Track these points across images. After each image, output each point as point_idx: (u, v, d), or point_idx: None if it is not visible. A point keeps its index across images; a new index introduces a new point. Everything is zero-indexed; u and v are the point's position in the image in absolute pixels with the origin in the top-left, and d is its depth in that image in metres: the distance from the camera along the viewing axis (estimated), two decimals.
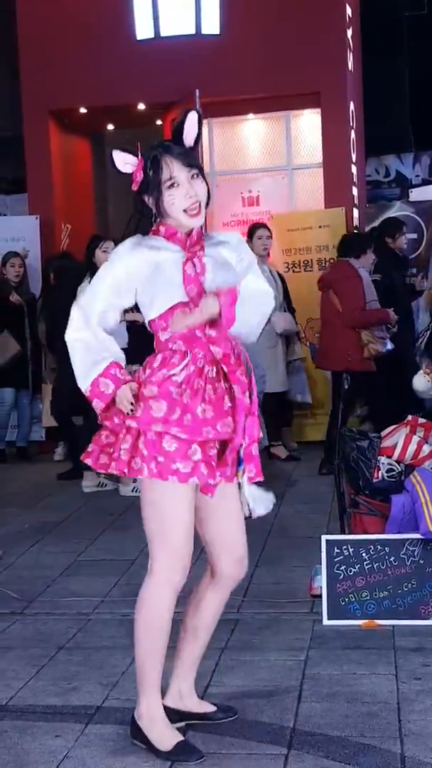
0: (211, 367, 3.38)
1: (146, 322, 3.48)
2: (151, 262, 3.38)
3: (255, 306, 3.52)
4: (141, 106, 10.76)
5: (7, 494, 7.89)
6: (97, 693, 4.02)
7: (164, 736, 3.45)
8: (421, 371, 6.86)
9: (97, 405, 3.41)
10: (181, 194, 3.35)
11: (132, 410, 3.35)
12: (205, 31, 10.24)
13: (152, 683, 3.47)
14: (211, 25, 10.26)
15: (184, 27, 10.26)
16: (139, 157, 3.39)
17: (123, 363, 3.44)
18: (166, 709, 3.54)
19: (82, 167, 11.95)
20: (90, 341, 3.41)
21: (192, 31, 10.26)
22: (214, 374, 3.38)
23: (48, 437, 9.64)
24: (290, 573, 5.44)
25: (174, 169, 3.35)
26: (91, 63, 10.22)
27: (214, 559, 3.54)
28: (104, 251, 7.74)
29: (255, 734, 3.59)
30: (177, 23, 10.26)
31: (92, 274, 9.27)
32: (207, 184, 3.42)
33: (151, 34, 10.33)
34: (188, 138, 3.40)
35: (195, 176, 3.38)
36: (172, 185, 3.35)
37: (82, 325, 3.42)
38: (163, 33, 10.30)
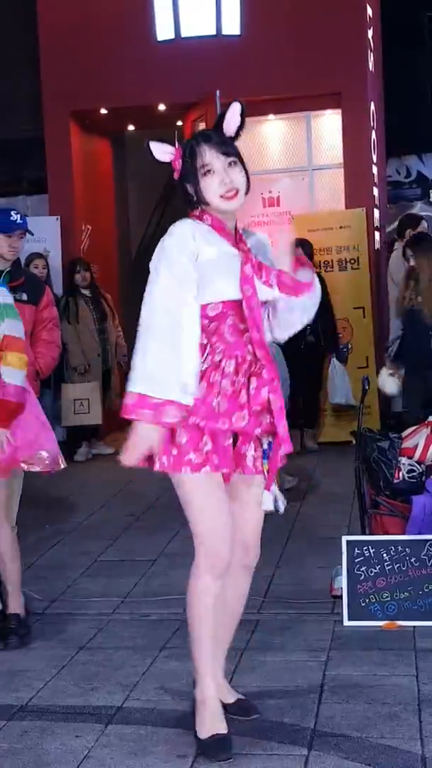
0: (230, 360, 3.41)
1: None
2: (209, 249, 3.39)
3: (301, 311, 3.54)
4: (161, 107, 10.77)
5: (29, 495, 7.90)
6: (118, 693, 4.03)
7: (206, 723, 3.48)
8: (387, 371, 6.92)
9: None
10: (216, 181, 3.41)
11: None
12: (225, 31, 10.24)
13: (203, 670, 3.51)
14: (232, 26, 10.26)
15: (205, 28, 10.27)
16: (177, 146, 3.46)
17: None
18: None
19: (103, 168, 11.97)
20: None
21: (212, 31, 10.26)
22: (232, 368, 3.41)
23: (69, 438, 9.66)
24: (311, 574, 5.43)
25: (209, 157, 3.41)
26: (112, 64, 10.24)
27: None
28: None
29: (275, 735, 3.59)
30: (197, 24, 10.27)
31: (72, 295, 9.42)
32: (246, 172, 3.46)
33: (171, 35, 10.33)
34: (229, 127, 3.47)
35: (232, 164, 3.43)
36: (207, 172, 3.41)
37: None
38: (184, 34, 10.31)
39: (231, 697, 3.71)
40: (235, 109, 3.46)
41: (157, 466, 3.42)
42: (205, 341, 3.41)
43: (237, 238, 3.48)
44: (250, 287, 3.40)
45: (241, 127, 3.48)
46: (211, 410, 3.37)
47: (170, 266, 3.35)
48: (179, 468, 3.39)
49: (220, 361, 3.41)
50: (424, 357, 6.78)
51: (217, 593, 3.48)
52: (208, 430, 3.38)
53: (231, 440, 3.46)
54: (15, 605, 4.71)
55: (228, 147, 3.44)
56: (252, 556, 3.63)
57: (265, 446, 3.50)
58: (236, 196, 3.42)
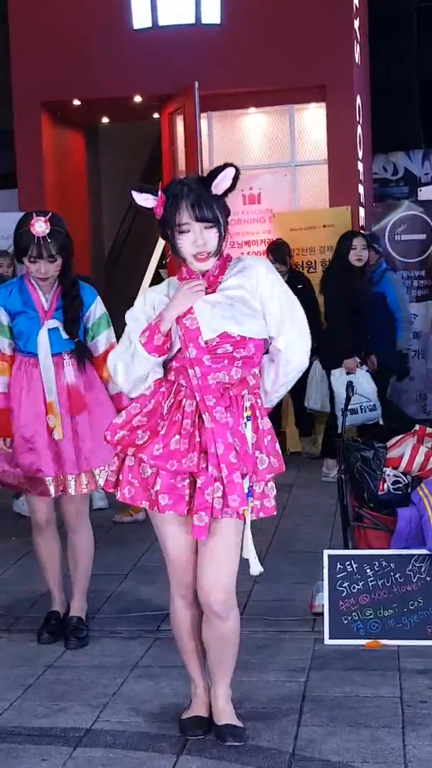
0: (190, 401, 3.58)
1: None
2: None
3: (284, 363, 3.70)
4: (137, 99, 10.77)
5: None
6: (86, 715, 4.01)
7: (191, 707, 3.86)
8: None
9: None
10: (190, 240, 3.58)
11: None
12: (205, 20, 10.26)
13: (188, 671, 3.88)
14: (212, 15, 10.28)
15: (183, 16, 10.29)
16: (160, 194, 3.59)
17: None
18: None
19: (76, 162, 11.96)
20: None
21: (191, 20, 10.28)
22: (192, 408, 3.58)
23: None
24: (290, 590, 5.43)
25: (186, 217, 3.55)
26: (86, 53, 10.23)
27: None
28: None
29: (252, 759, 3.59)
30: (176, 12, 10.29)
31: None
32: (223, 231, 3.60)
33: (148, 24, 10.35)
34: (217, 188, 3.59)
35: (209, 227, 3.57)
36: (182, 231, 3.57)
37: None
38: (161, 22, 10.32)
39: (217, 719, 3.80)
40: (229, 174, 3.58)
41: (119, 496, 3.72)
42: (173, 378, 3.63)
43: (211, 282, 3.62)
44: (186, 320, 3.57)
45: (230, 190, 3.61)
46: (167, 451, 3.56)
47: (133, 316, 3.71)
48: (140, 501, 3.68)
49: (181, 400, 3.59)
50: None
51: (189, 615, 3.78)
52: (158, 469, 3.59)
53: (186, 482, 3.59)
54: (77, 608, 4.90)
55: (207, 212, 3.55)
56: (212, 602, 3.64)
57: (245, 488, 3.57)
58: (206, 258, 3.60)
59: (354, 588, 4.72)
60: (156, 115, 11.19)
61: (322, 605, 4.77)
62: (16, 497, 7.34)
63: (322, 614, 4.77)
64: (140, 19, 10.36)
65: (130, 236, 14.21)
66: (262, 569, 3.72)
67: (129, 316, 3.72)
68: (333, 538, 6.12)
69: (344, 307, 7.94)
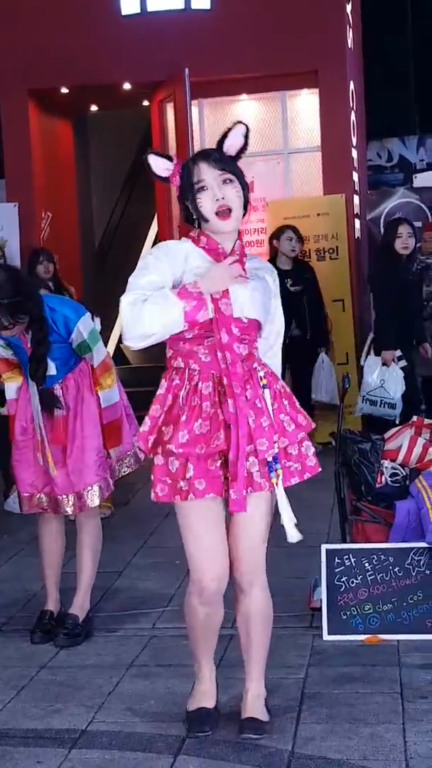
0: (206, 383, 3.58)
1: None
2: (193, 272, 3.57)
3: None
4: (126, 86, 10.74)
5: None
6: (82, 716, 4.01)
7: (196, 696, 3.85)
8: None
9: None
10: (209, 197, 3.55)
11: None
12: (194, 5, 10.23)
13: (197, 658, 3.86)
14: (201, 0, 10.24)
15: (173, 2, 10.25)
16: (175, 161, 3.61)
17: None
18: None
19: (64, 151, 11.92)
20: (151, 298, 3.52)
21: (181, 5, 10.24)
22: (210, 390, 3.59)
23: None
24: (288, 585, 5.41)
25: (202, 173, 3.55)
26: (73, 40, 10.19)
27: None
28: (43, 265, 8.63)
29: (251, 758, 3.58)
30: None
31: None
32: (245, 190, 3.61)
33: (137, 9, 10.30)
34: (231, 148, 3.62)
35: (227, 181, 3.57)
36: (200, 189, 3.55)
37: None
38: (150, 8, 10.28)
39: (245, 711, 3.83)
40: (239, 130, 3.61)
41: (152, 496, 3.69)
42: (183, 365, 3.60)
43: (239, 261, 3.61)
44: (221, 304, 3.55)
45: (243, 149, 3.63)
46: (192, 436, 3.54)
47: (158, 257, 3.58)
48: (172, 497, 3.64)
49: (197, 384, 3.58)
50: None
51: (204, 614, 3.74)
52: (188, 456, 3.57)
53: (219, 463, 3.60)
54: (78, 606, 4.89)
55: (224, 164, 3.57)
56: (244, 574, 3.72)
57: (269, 459, 3.63)
58: (229, 216, 3.56)
59: (352, 582, 4.71)
60: (146, 103, 11.16)
61: (320, 600, 4.76)
62: (6, 495, 7.33)
63: (320, 610, 4.77)
64: (129, 5, 10.32)
65: (122, 225, 14.18)
66: (301, 536, 3.73)
67: (140, 274, 3.55)
68: (331, 532, 6.12)
69: (391, 297, 7.89)
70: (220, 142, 3.61)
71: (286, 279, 8.48)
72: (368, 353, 8.06)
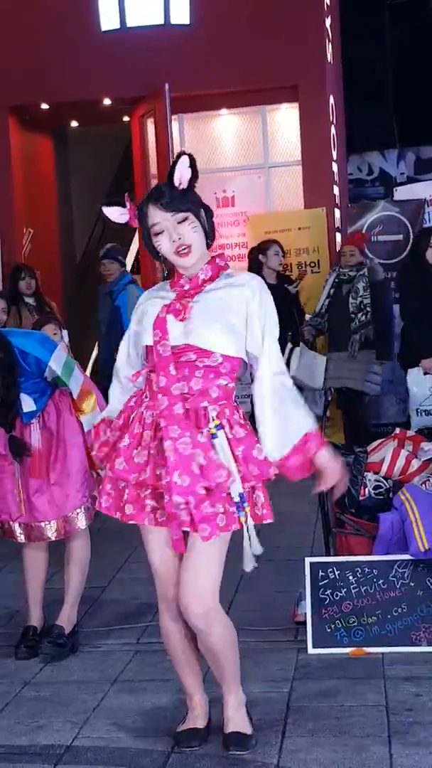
0: (152, 411, 3.58)
1: None
2: (151, 307, 3.65)
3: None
4: (107, 102, 10.78)
5: None
6: (66, 731, 4.00)
7: (186, 720, 3.86)
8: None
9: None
10: (165, 238, 3.57)
11: None
12: (174, 21, 10.29)
13: (183, 684, 3.88)
14: (181, 15, 10.30)
15: (152, 17, 10.31)
16: (128, 205, 3.63)
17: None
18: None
19: (45, 167, 11.95)
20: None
21: (160, 21, 10.30)
22: (151, 420, 3.59)
23: None
24: (272, 598, 5.43)
25: (156, 216, 3.56)
26: (54, 56, 10.23)
27: None
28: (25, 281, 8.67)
29: None
30: (144, 13, 10.31)
31: (14, 303, 9.47)
32: (208, 216, 3.64)
33: (116, 25, 10.36)
34: (182, 182, 3.58)
35: (182, 221, 3.56)
36: (156, 233, 3.57)
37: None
38: (130, 23, 10.34)
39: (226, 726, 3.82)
40: (184, 161, 3.57)
41: (97, 505, 3.78)
42: (144, 387, 3.66)
43: (194, 284, 3.60)
44: (159, 331, 3.57)
45: (194, 178, 3.60)
46: (130, 464, 3.59)
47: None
48: (113, 512, 3.69)
49: (143, 412, 3.60)
50: None
51: (178, 632, 3.75)
52: (123, 480, 3.63)
53: (147, 492, 3.59)
54: (65, 618, 4.91)
55: (176, 203, 3.55)
56: (191, 616, 3.61)
57: (236, 498, 3.59)
58: (189, 253, 3.58)
59: (337, 595, 4.72)
60: (126, 118, 11.19)
61: (305, 614, 4.77)
62: None
63: (304, 623, 4.77)
64: (108, 21, 10.37)
65: (103, 240, 14.18)
66: (256, 566, 3.68)
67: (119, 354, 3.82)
68: (314, 545, 6.13)
69: (421, 306, 7.88)
70: (170, 174, 3.58)
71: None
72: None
